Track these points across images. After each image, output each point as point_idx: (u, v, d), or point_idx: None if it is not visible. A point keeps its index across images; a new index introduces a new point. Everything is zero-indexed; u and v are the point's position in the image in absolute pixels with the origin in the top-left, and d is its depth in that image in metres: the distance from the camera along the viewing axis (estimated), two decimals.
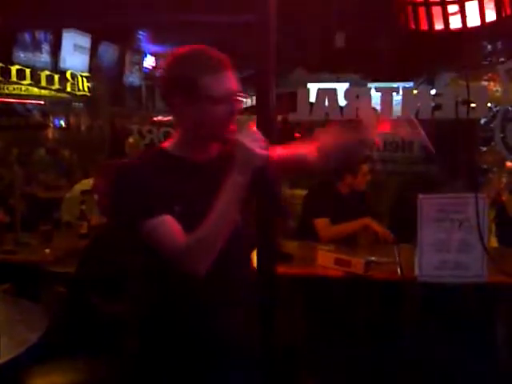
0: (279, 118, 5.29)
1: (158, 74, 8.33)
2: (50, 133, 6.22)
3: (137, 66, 7.56)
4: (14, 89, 6.57)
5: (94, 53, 6.73)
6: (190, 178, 1.86)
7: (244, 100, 1.88)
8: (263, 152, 1.73)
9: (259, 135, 1.74)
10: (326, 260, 3.47)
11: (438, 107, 2.89)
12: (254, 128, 1.80)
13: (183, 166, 1.87)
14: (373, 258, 3.40)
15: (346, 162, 4.21)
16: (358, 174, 4.16)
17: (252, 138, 1.73)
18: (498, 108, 3.05)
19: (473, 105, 3.05)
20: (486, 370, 3.28)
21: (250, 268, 2.10)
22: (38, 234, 4.01)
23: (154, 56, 8.25)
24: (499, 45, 3.73)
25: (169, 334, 1.85)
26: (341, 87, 3.89)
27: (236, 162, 1.74)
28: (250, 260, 2.12)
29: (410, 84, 4.94)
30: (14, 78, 6.54)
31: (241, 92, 1.82)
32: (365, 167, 4.19)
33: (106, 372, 2.36)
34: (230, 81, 1.79)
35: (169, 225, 1.76)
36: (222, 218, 1.75)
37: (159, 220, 1.76)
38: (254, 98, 2.99)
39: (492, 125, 3.04)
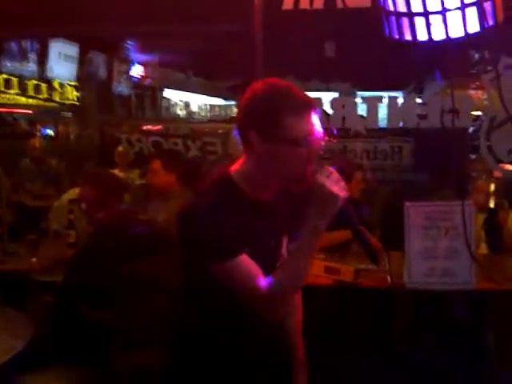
0: None
1: (146, 82, 8.36)
2: (37, 142, 6.18)
3: (125, 76, 7.56)
4: (1, 98, 6.55)
5: (82, 62, 6.71)
6: (255, 217, 1.77)
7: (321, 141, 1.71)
8: (343, 194, 1.66)
9: (338, 176, 1.66)
10: (315, 268, 3.46)
11: (423, 116, 2.90)
12: (332, 169, 1.68)
13: (250, 203, 1.77)
14: (362, 266, 3.40)
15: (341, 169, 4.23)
16: (351, 180, 4.15)
17: (332, 181, 1.65)
18: (484, 116, 3.07)
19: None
20: (476, 375, 3.29)
21: None
22: (24, 243, 3.99)
23: (142, 65, 8.26)
24: (486, 54, 3.75)
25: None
26: (331, 96, 3.92)
27: (315, 205, 1.66)
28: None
29: (399, 93, 4.97)
30: (1, 87, 6.52)
31: (321, 134, 1.70)
32: (359, 174, 4.19)
33: (94, 380, 2.35)
34: (313, 123, 1.68)
35: (247, 265, 1.69)
36: (303, 263, 1.69)
37: (239, 260, 1.68)
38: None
39: (478, 133, 3.06)
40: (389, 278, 3.26)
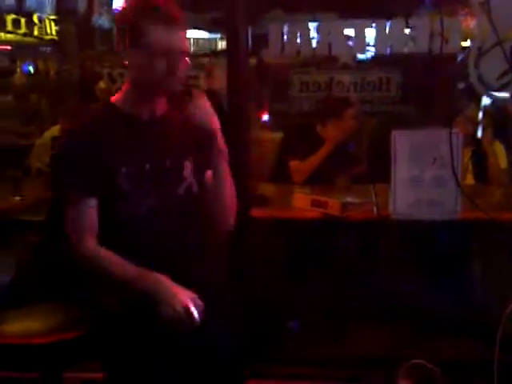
0: (254, 61, 5.17)
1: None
2: (18, 78, 6.03)
3: (106, 7, 7.31)
4: None
5: None
6: (136, 137, 1.86)
7: (189, 63, 1.86)
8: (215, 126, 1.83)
9: (206, 102, 1.82)
10: (302, 202, 3.44)
11: (411, 41, 2.82)
12: (200, 94, 1.84)
13: (131, 123, 1.87)
14: (349, 199, 3.38)
15: (328, 108, 4.16)
16: (343, 117, 4.06)
17: (201, 109, 1.81)
18: (473, 43, 2.98)
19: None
20: (461, 304, 3.32)
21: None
22: (6, 181, 3.92)
23: None
24: None
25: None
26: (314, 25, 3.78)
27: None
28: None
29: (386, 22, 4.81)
30: None
31: (186, 50, 1.83)
32: (350, 110, 4.09)
33: (78, 317, 2.33)
34: (177, 36, 1.79)
35: (85, 216, 1.82)
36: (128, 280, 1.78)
37: (78, 206, 1.81)
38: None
39: (467, 61, 2.98)
40: (375, 210, 3.25)
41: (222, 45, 11.56)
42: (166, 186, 1.88)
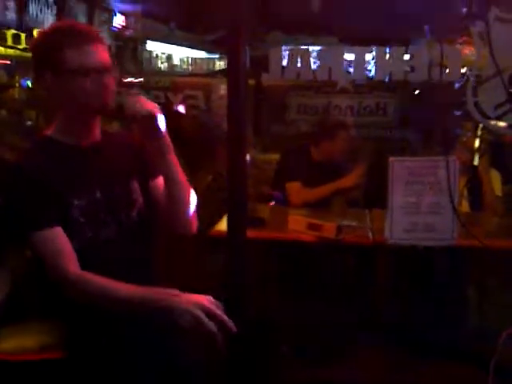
0: (253, 82, 5.21)
1: (127, 33, 8.16)
2: (16, 93, 6.04)
3: (106, 26, 7.38)
4: None
5: (62, 10, 6.53)
6: (81, 166, 1.83)
7: (116, 73, 1.86)
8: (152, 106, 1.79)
9: (139, 95, 1.82)
10: (298, 224, 3.44)
11: (411, 69, 2.85)
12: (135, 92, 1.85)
13: (71, 153, 1.83)
14: (345, 223, 3.39)
15: (322, 129, 4.19)
16: (335, 139, 4.09)
17: (140, 101, 1.79)
18: (471, 71, 3.02)
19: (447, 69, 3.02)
20: (456, 330, 3.32)
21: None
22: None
23: (124, 15, 8.05)
24: (474, 7, 3.68)
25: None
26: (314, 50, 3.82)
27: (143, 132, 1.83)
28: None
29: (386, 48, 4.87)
30: None
31: (110, 65, 1.80)
32: (343, 133, 4.12)
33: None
34: (96, 54, 1.76)
35: (59, 242, 1.73)
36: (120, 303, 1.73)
37: (49, 234, 1.72)
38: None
39: (465, 89, 3.01)
40: (370, 234, 3.26)
41: (219, 65, 11.71)
42: (119, 212, 1.86)
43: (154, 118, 1.80)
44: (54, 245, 1.73)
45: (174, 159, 1.90)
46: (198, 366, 1.76)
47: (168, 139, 1.87)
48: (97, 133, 1.89)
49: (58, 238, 1.74)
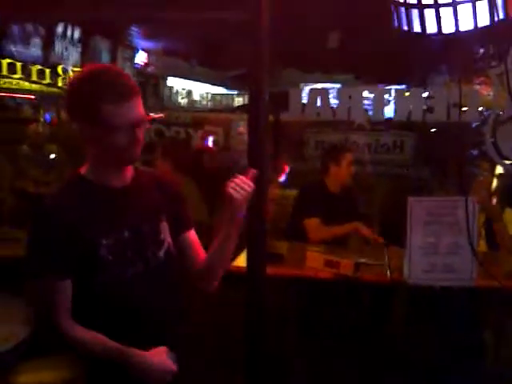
0: (271, 117, 5.27)
1: (149, 70, 8.31)
2: (39, 127, 6.15)
3: (128, 63, 7.52)
4: (4, 83, 6.52)
5: (85, 47, 6.69)
6: (111, 206, 1.85)
7: (153, 119, 1.88)
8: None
9: (244, 181, 1.90)
10: (315, 261, 3.46)
11: (429, 110, 2.88)
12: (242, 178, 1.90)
13: (104, 193, 1.85)
14: (362, 260, 3.40)
15: (328, 154, 4.26)
16: (341, 163, 4.14)
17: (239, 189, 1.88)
18: (489, 112, 3.05)
19: (464, 108, 3.06)
20: (474, 372, 3.28)
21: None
22: (25, 229, 3.96)
23: (146, 52, 8.21)
24: (491, 49, 3.73)
25: None
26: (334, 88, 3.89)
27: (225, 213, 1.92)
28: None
29: (402, 86, 4.94)
30: (4, 71, 6.49)
31: (144, 118, 1.79)
32: (348, 156, 4.18)
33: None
34: (133, 109, 1.75)
35: (58, 293, 1.77)
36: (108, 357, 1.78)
37: (56, 285, 1.76)
38: (246, 96, 2.96)
39: (483, 129, 3.03)
40: (388, 273, 3.26)
41: (238, 101, 11.85)
42: (146, 251, 1.88)
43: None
44: (54, 296, 1.77)
45: (239, 224, 1.96)
46: None
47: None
48: (128, 176, 1.91)
49: (61, 291, 1.78)
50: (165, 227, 1.94)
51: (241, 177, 1.89)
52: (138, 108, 1.76)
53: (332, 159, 4.18)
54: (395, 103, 3.00)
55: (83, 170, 1.88)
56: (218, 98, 12.21)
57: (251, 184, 1.90)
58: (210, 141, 5.80)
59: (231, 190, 1.87)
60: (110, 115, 1.71)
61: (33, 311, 1.79)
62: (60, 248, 1.74)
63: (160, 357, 1.78)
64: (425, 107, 2.90)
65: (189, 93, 10.99)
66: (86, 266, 1.78)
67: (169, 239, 1.94)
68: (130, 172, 1.90)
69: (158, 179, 2.03)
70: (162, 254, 1.91)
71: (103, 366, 1.82)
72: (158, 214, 1.93)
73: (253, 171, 1.92)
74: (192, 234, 2.05)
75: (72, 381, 2.18)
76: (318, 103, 3.00)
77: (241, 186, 1.88)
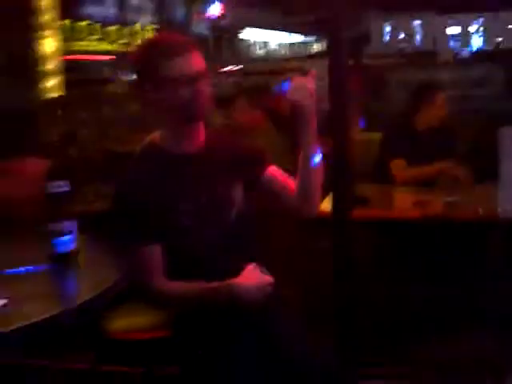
0: (351, 62, 5.12)
1: (225, 22, 8.23)
2: (118, 87, 6.25)
3: (202, 16, 7.47)
4: (83, 45, 6.63)
5: (161, 2, 6.71)
6: (187, 173, 1.91)
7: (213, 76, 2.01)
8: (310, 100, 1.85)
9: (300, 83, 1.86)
10: (404, 202, 3.38)
11: None
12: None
13: (176, 161, 1.91)
14: (452, 198, 3.28)
15: (420, 92, 4.07)
16: (434, 102, 3.97)
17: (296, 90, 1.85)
18: None
19: None
20: None
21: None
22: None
23: (221, 3, 8.12)
24: None
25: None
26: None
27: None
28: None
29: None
30: (84, 33, 6.60)
31: (203, 71, 1.86)
32: (441, 96, 4.00)
33: None
34: (189, 63, 1.83)
35: (150, 258, 1.87)
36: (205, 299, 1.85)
37: (148, 251, 1.86)
38: (324, 43, 2.88)
39: None
40: (480, 210, 3.14)
41: (316, 47, 11.61)
42: (220, 214, 1.94)
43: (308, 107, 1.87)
44: (145, 260, 1.88)
45: (314, 130, 1.94)
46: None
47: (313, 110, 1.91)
48: (201, 139, 1.97)
49: (151, 255, 1.88)
50: (237, 189, 1.99)
51: (298, 77, 1.87)
52: (192, 62, 1.85)
53: (424, 98, 4.00)
54: (485, 30, 2.82)
55: (156, 138, 1.96)
56: (296, 46, 11.99)
57: (312, 83, 1.86)
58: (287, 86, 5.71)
59: (291, 94, 1.85)
60: (166, 70, 1.82)
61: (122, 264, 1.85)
62: (142, 216, 1.85)
63: (253, 273, 1.84)
64: None
65: (265, 43, 10.86)
66: (166, 232, 1.87)
67: (240, 201, 1.99)
68: (201, 136, 1.96)
69: (230, 142, 2.07)
70: (233, 214, 1.96)
71: (189, 314, 1.92)
72: (232, 176, 1.99)
73: (312, 71, 1.89)
74: (272, 170, 2.06)
75: (161, 327, 2.24)
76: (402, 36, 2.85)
77: (300, 86, 1.85)
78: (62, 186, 1.83)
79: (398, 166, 3.87)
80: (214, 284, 1.83)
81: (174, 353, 2.05)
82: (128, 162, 2.00)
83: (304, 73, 1.92)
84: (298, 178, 2.01)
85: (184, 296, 1.86)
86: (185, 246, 1.89)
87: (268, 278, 1.83)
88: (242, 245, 1.95)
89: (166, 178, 1.89)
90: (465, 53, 4.68)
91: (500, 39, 2.71)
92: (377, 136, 4.40)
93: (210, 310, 1.86)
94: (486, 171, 3.43)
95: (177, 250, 1.88)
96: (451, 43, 3.08)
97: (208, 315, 1.88)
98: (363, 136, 4.84)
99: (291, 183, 2.04)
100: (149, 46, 1.98)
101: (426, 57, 4.96)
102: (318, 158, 1.96)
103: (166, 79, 1.82)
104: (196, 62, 1.86)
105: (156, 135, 1.97)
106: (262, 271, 1.84)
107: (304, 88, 1.85)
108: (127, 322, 2.37)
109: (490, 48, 2.95)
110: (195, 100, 1.84)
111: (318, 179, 2.01)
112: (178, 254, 1.89)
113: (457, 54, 4.88)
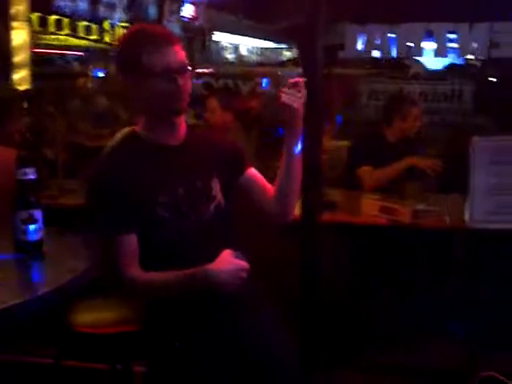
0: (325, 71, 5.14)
1: (196, 24, 8.21)
2: (88, 81, 6.19)
3: (175, 16, 7.44)
4: (52, 39, 6.53)
5: (132, 1, 6.66)
6: (166, 164, 1.90)
7: (190, 70, 1.90)
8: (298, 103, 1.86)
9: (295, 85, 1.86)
10: (371, 208, 3.38)
11: (495, 45, 2.72)
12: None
13: (156, 152, 1.90)
14: (420, 207, 3.30)
15: (394, 105, 4.09)
16: (407, 117, 3.98)
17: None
18: None
19: None
20: None
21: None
22: (80, 179, 4.00)
23: (193, 5, 8.10)
24: None
25: None
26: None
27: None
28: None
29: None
30: (52, 28, 6.50)
31: (185, 65, 1.86)
32: (415, 110, 4.01)
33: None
34: (171, 56, 1.82)
35: (126, 247, 1.84)
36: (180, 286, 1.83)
37: (119, 239, 1.84)
38: (295, 50, 2.89)
39: None
40: (447, 219, 3.16)
41: (287, 55, 11.67)
42: (198, 207, 1.92)
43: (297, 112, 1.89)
44: (120, 250, 1.85)
45: (300, 131, 1.95)
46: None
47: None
48: (182, 132, 1.95)
49: (126, 243, 1.85)
50: (216, 184, 1.98)
51: (292, 81, 1.87)
52: (176, 55, 1.84)
53: (397, 112, 4.01)
54: (459, 41, 2.86)
55: (137, 128, 1.94)
56: (267, 52, 12.03)
57: (303, 90, 1.87)
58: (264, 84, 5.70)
59: (285, 98, 1.85)
60: (148, 62, 1.80)
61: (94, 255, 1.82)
62: (119, 205, 1.82)
63: (227, 258, 1.82)
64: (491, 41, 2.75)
65: (236, 48, 10.87)
66: (143, 223, 1.84)
67: (219, 196, 1.97)
68: (182, 129, 1.95)
69: (211, 138, 2.08)
70: (212, 208, 1.95)
71: (161, 306, 1.89)
72: (210, 171, 1.98)
73: (303, 79, 1.89)
74: (252, 171, 2.06)
75: (130, 321, 2.20)
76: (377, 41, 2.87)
77: (294, 92, 1.86)
78: (28, 174, 1.81)
79: (366, 172, 3.89)
80: (189, 270, 1.80)
81: (145, 346, 2.01)
82: (105, 152, 1.95)
83: (276, 78, 1.91)
84: (279, 179, 2.01)
85: (159, 284, 1.84)
86: (161, 238, 1.86)
87: (243, 264, 1.82)
88: (220, 240, 1.92)
89: (145, 168, 1.87)
90: (436, 65, 4.74)
91: (472, 54, 2.75)
92: (344, 144, 4.42)
93: (185, 298, 1.84)
94: (454, 182, 3.48)
95: (153, 242, 1.86)
96: (423, 55, 3.11)
97: (181, 306, 1.86)
98: (332, 143, 4.86)
99: (270, 188, 2.05)
100: (132, 37, 1.94)
101: (398, 68, 5.03)
102: (299, 157, 1.99)
103: (150, 71, 1.81)
104: (179, 54, 1.86)
105: (138, 126, 1.95)
106: (237, 256, 1.82)
107: (297, 93, 1.86)
108: (93, 316, 2.33)
109: (461, 61, 2.99)
110: (178, 92, 1.83)
111: (297, 182, 2.03)
112: (154, 246, 1.86)
113: (426, 66, 4.94)
